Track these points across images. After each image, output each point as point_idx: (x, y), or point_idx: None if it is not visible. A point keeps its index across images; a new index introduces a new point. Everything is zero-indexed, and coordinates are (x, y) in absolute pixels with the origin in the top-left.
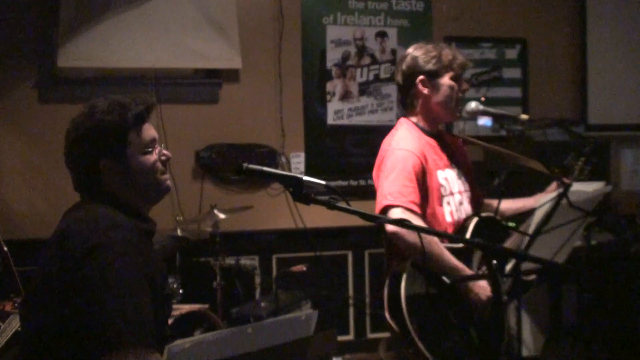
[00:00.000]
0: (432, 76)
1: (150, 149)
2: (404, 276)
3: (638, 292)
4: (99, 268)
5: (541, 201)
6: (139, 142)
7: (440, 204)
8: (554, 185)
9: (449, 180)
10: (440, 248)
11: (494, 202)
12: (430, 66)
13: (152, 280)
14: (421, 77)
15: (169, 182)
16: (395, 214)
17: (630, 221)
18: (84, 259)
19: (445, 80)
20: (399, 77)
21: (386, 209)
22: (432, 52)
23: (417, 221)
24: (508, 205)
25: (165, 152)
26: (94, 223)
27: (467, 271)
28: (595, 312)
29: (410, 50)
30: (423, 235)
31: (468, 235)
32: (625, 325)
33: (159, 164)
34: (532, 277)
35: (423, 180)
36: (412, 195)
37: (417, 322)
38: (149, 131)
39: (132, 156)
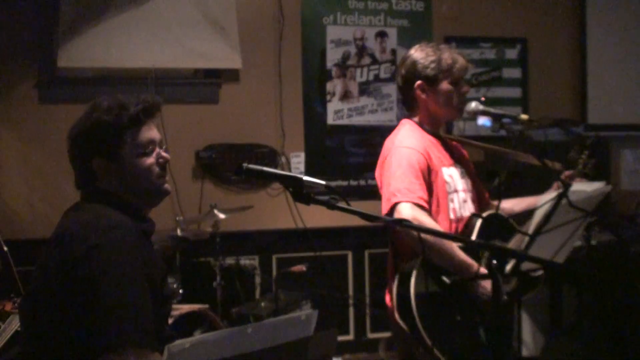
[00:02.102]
0: (431, 82)
1: (146, 151)
2: (414, 275)
3: (638, 292)
4: (97, 268)
5: (541, 201)
6: (135, 143)
7: (446, 201)
8: (556, 185)
9: (453, 178)
10: (450, 243)
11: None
12: (428, 72)
13: (152, 280)
14: (419, 82)
15: (167, 186)
16: (404, 209)
17: (630, 221)
18: (83, 259)
19: (444, 85)
20: (398, 80)
21: (395, 206)
22: (432, 57)
23: (426, 217)
24: (513, 204)
25: (163, 154)
26: (92, 223)
27: (476, 266)
28: (595, 312)
29: (411, 52)
30: (431, 230)
31: (474, 234)
32: (625, 325)
33: (155, 167)
34: (540, 273)
35: (428, 177)
36: (420, 191)
37: (427, 321)
38: (148, 133)
39: (127, 157)
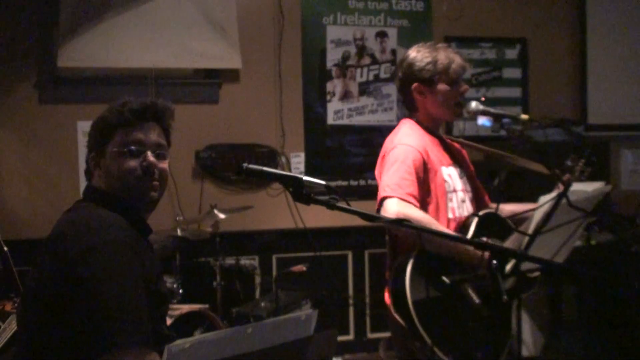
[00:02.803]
0: (427, 83)
1: (125, 150)
2: (408, 270)
3: (638, 292)
4: (93, 269)
5: (541, 201)
6: (120, 141)
7: (445, 199)
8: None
9: (452, 178)
10: (441, 231)
11: (496, 205)
12: (424, 74)
13: (148, 280)
14: (415, 84)
15: (152, 193)
16: (391, 204)
17: (630, 221)
18: (77, 261)
19: (440, 87)
20: (396, 82)
21: (383, 200)
22: (428, 58)
23: (413, 209)
24: (513, 208)
25: (149, 158)
26: (87, 224)
27: (471, 252)
28: (595, 312)
29: (408, 53)
30: (424, 219)
31: (470, 233)
32: (625, 325)
33: (138, 170)
34: (537, 274)
35: (425, 175)
36: (410, 187)
37: (423, 316)
38: (139, 134)
39: (111, 154)
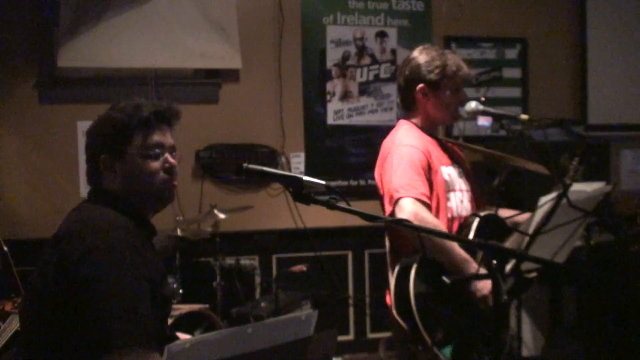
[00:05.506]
0: (433, 86)
1: (150, 153)
2: (413, 273)
3: (638, 292)
4: (97, 270)
5: (541, 201)
6: (142, 144)
7: (444, 199)
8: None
9: (452, 177)
10: (443, 232)
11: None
12: (432, 76)
13: (152, 281)
14: (421, 85)
15: (172, 193)
16: (406, 205)
17: (630, 221)
18: (81, 260)
19: (445, 91)
20: (400, 80)
21: (397, 202)
22: (437, 62)
23: (427, 212)
24: (511, 214)
25: (170, 159)
26: (91, 225)
27: (474, 262)
28: (595, 312)
29: (416, 53)
30: (431, 230)
31: (472, 233)
32: (625, 325)
33: (161, 172)
34: (534, 274)
35: (429, 174)
36: (421, 187)
37: (426, 319)
38: (158, 137)
39: (132, 157)
